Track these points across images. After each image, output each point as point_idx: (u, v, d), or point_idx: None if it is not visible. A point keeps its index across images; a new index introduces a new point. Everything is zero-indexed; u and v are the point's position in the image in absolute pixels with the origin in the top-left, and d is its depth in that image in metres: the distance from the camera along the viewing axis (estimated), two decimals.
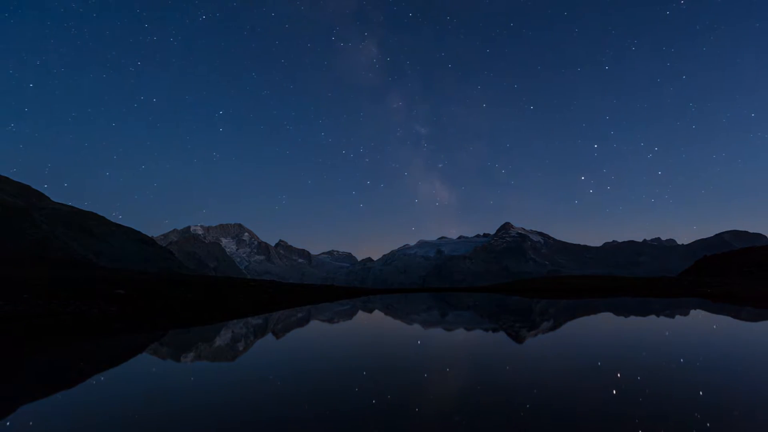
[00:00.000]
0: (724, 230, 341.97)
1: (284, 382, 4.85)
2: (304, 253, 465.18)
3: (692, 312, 14.35)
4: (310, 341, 8.53)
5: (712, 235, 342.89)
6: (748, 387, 4.28)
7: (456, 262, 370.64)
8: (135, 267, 70.63)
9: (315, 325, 11.82)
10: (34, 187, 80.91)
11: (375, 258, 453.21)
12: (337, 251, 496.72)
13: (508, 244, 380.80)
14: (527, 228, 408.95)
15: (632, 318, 12.46)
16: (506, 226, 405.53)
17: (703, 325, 10.60)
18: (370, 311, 16.95)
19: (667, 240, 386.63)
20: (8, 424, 3.53)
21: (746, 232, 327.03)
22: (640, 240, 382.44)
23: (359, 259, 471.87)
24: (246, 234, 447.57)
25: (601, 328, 10.21)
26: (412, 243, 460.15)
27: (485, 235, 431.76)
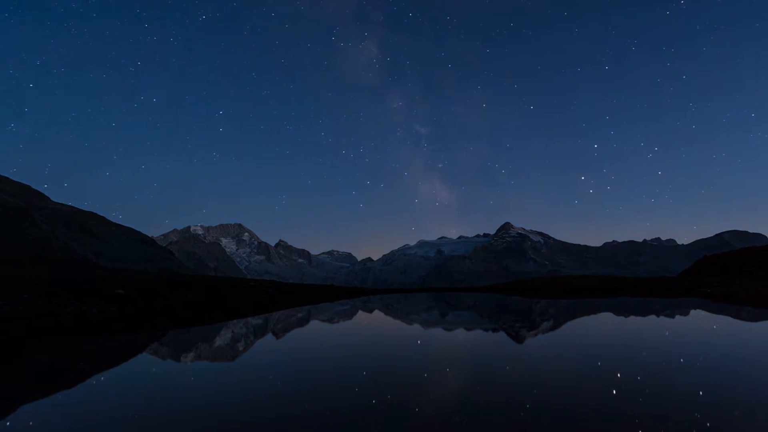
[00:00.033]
0: (724, 230, 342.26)
1: (284, 382, 4.85)
2: (304, 253, 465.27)
3: (692, 312, 14.35)
4: (310, 341, 8.53)
5: (712, 235, 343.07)
6: (748, 387, 4.28)
7: (456, 262, 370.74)
8: (135, 267, 70.64)
9: (315, 325, 11.82)
10: (34, 187, 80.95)
11: (375, 258, 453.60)
12: (337, 251, 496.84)
13: (508, 244, 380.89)
14: (527, 228, 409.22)
15: (632, 318, 12.46)
16: (506, 226, 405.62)
17: (703, 325, 10.61)
18: (370, 311, 16.95)
19: (667, 240, 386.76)
20: (8, 424, 3.53)
21: (746, 232, 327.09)
22: (640, 240, 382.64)
23: (359, 259, 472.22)
24: (246, 234, 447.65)
25: (601, 328, 10.21)
26: (412, 243, 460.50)
27: (485, 235, 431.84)
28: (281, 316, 14.29)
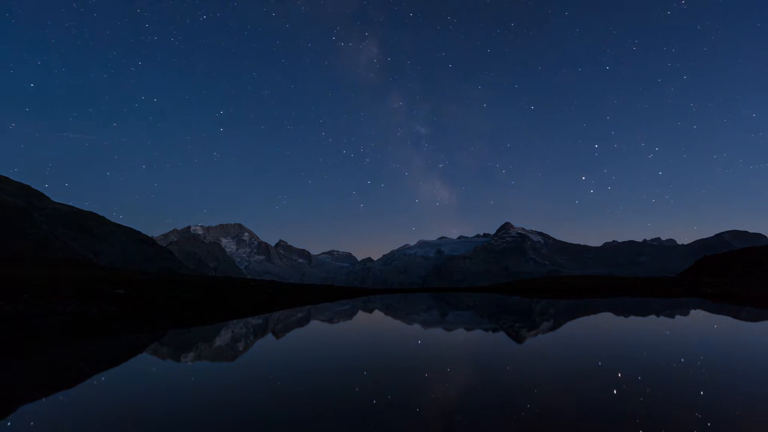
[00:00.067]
0: (724, 230, 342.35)
1: (284, 382, 4.85)
2: (304, 253, 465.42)
3: (692, 312, 14.35)
4: (310, 341, 8.53)
5: (712, 235, 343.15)
6: (749, 387, 4.28)
7: (456, 262, 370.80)
8: (135, 267, 70.67)
9: (315, 325, 11.82)
10: (35, 186, 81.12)
11: (375, 258, 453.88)
12: (337, 251, 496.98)
13: (508, 244, 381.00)
14: (527, 228, 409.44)
15: (632, 318, 12.46)
16: (506, 226, 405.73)
17: (703, 325, 10.61)
18: (370, 311, 16.95)
19: (667, 240, 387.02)
20: (8, 424, 3.53)
21: (746, 232, 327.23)
22: (640, 240, 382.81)
23: (359, 259, 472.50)
24: (246, 234, 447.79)
25: (601, 328, 10.21)
26: (412, 243, 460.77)
27: (485, 235, 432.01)
28: (281, 316, 14.29)
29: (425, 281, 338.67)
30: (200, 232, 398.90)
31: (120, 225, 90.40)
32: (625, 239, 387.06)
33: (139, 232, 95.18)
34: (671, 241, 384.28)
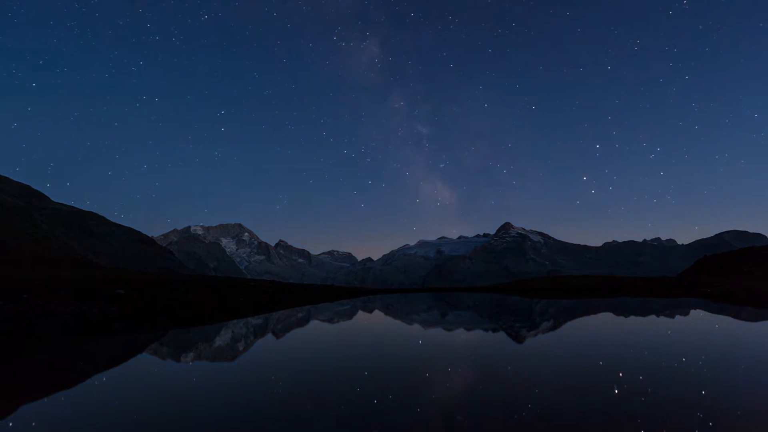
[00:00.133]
0: (724, 230, 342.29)
1: (284, 382, 4.85)
2: (304, 253, 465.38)
3: (692, 312, 14.35)
4: (310, 341, 8.52)
5: (712, 235, 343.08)
6: (749, 387, 4.28)
7: (456, 262, 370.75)
8: (135, 267, 70.64)
9: (315, 325, 11.81)
10: (36, 186, 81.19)
11: (375, 258, 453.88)
12: (337, 251, 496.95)
13: (508, 244, 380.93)
14: (527, 228, 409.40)
15: (632, 318, 12.46)
16: (506, 226, 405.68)
17: (703, 325, 10.60)
18: (370, 311, 16.95)
19: (667, 240, 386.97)
20: (8, 424, 3.53)
21: (746, 232, 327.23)
22: (640, 240, 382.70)
23: (359, 259, 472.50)
24: (246, 234, 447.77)
25: (601, 328, 10.21)
26: (413, 243, 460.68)
27: (485, 235, 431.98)
28: (281, 316, 14.28)
29: (425, 281, 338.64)
30: (200, 232, 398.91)
31: (120, 225, 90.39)
32: (626, 239, 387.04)
33: (139, 232, 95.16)
34: (671, 241, 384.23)
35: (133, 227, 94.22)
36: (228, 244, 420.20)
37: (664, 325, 10.47)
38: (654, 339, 7.95)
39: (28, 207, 67.53)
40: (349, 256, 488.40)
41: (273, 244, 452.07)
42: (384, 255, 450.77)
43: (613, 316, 13.30)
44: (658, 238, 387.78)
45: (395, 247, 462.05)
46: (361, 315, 15.19)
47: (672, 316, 13.06)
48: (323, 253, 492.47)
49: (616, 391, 4.11)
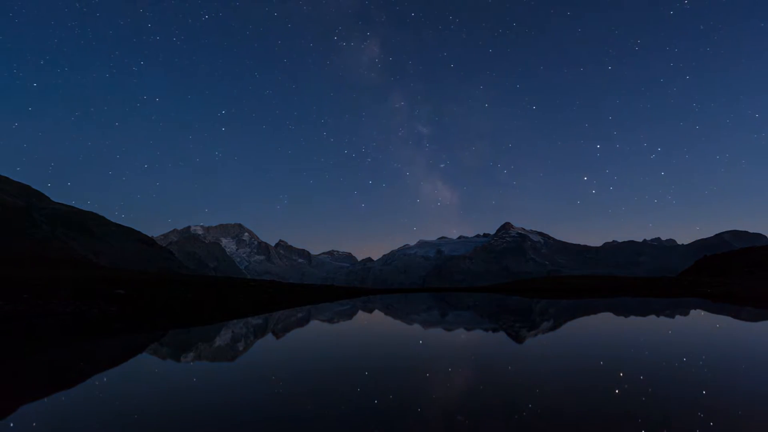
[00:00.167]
0: (724, 230, 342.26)
1: (284, 382, 4.85)
2: (304, 253, 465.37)
3: (692, 312, 14.34)
4: (310, 341, 8.52)
5: (712, 235, 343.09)
6: (749, 387, 4.28)
7: (456, 262, 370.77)
8: (135, 267, 70.63)
9: (315, 325, 11.81)
10: (37, 186, 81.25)
11: (375, 258, 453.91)
12: (337, 251, 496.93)
13: (508, 244, 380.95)
14: (527, 228, 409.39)
15: (632, 318, 12.46)
16: (506, 226, 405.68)
17: (703, 325, 10.60)
18: (370, 311, 16.95)
19: (667, 240, 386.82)
20: (8, 424, 3.53)
21: (746, 232, 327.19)
22: (640, 240, 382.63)
23: (359, 259, 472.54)
24: (246, 234, 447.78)
25: (601, 328, 10.21)
26: (413, 243, 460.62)
27: (485, 235, 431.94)
28: (281, 316, 14.28)
29: (425, 281, 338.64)
30: (200, 232, 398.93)
31: (120, 225, 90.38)
32: (626, 240, 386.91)
33: (139, 232, 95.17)
34: (671, 241, 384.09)
35: (133, 227, 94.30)
36: (228, 244, 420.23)
37: (664, 325, 10.46)
38: (654, 339, 7.95)
39: (28, 207, 67.54)
40: (349, 256, 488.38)
41: (273, 244, 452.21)
42: (384, 255, 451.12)
43: (613, 316, 13.29)
44: (658, 238, 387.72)
45: (395, 247, 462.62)
46: (361, 315, 15.19)
47: (672, 316, 13.06)
48: (323, 253, 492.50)
49: (617, 391, 4.11)
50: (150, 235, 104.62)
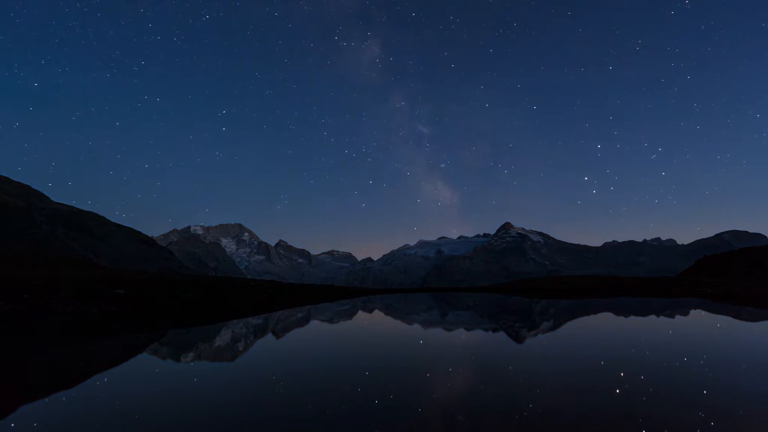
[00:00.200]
0: (724, 230, 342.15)
1: (284, 382, 4.85)
2: (304, 253, 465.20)
3: (692, 312, 14.34)
4: (310, 341, 8.52)
5: (712, 235, 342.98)
6: (749, 387, 4.28)
7: (456, 262, 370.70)
8: (135, 267, 70.63)
9: (315, 325, 11.81)
10: (37, 186, 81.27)
11: (375, 258, 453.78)
12: (337, 251, 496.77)
13: (508, 244, 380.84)
14: (527, 228, 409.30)
15: (632, 318, 12.46)
16: (506, 226, 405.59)
17: (703, 325, 10.60)
18: (371, 311, 16.95)
19: (667, 240, 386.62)
20: (8, 424, 3.53)
21: (746, 232, 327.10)
22: (640, 240, 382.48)
23: (359, 259, 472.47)
24: (246, 234, 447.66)
25: (601, 328, 10.21)
26: (413, 243, 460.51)
27: (485, 235, 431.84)
28: (281, 316, 14.28)
29: (425, 281, 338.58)
30: (200, 232, 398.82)
31: (120, 225, 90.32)
32: (626, 240, 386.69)
33: (139, 232, 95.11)
34: (671, 241, 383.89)
35: (133, 227, 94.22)
36: (228, 244, 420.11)
37: (665, 325, 10.46)
38: (654, 339, 7.94)
39: (28, 207, 67.53)
40: (349, 256, 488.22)
41: (273, 244, 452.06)
42: (384, 255, 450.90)
43: (613, 316, 13.29)
44: (658, 238, 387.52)
45: (395, 247, 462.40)
46: (361, 315, 15.19)
47: (672, 316, 13.06)
48: (323, 253, 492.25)
49: (617, 391, 4.11)
50: (150, 235, 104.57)
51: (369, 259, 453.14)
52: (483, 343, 8.14)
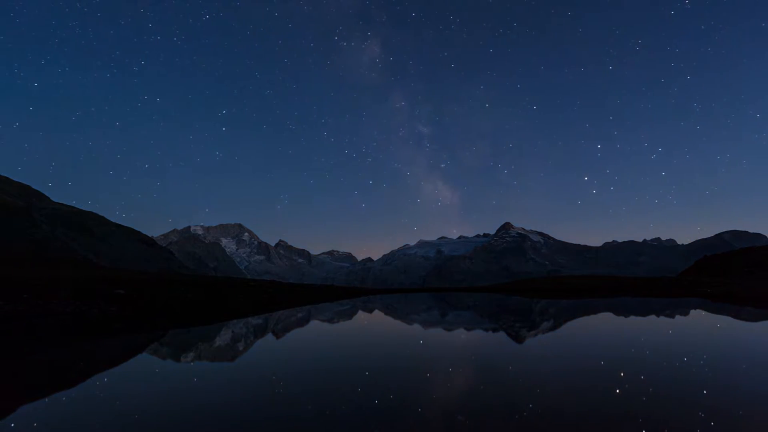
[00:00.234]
0: (724, 230, 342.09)
1: (284, 382, 4.85)
2: (304, 253, 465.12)
3: (692, 312, 14.34)
4: (310, 341, 8.52)
5: (712, 235, 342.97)
6: (749, 387, 4.27)
7: (456, 262, 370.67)
8: (135, 267, 70.63)
9: (315, 325, 11.81)
10: (37, 186, 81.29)
11: (375, 258, 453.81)
12: (337, 251, 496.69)
13: (508, 244, 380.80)
14: (527, 228, 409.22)
15: (633, 318, 12.46)
16: (506, 226, 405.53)
17: (703, 325, 10.60)
18: (371, 311, 16.94)
19: (667, 240, 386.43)
20: (8, 424, 3.53)
21: (746, 232, 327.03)
22: (640, 240, 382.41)
23: (359, 259, 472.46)
24: (246, 234, 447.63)
25: (601, 328, 10.21)
26: (413, 243, 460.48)
27: (485, 235, 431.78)
28: (281, 316, 14.28)
29: (425, 281, 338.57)
30: (200, 232, 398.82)
31: (120, 225, 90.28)
32: (626, 240, 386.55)
33: (139, 232, 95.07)
34: (671, 241, 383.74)
35: (133, 227, 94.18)
36: (228, 244, 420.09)
37: (665, 325, 10.46)
38: (654, 339, 7.94)
39: (28, 207, 67.52)
40: (349, 256, 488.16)
41: (273, 244, 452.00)
42: (384, 255, 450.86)
43: (613, 316, 13.29)
44: (658, 238, 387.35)
45: (395, 247, 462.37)
46: (361, 315, 15.19)
47: (672, 316, 13.06)
48: (323, 253, 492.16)
49: (617, 391, 4.11)
50: (150, 235, 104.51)
51: (369, 259, 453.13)
52: (483, 343, 8.14)
